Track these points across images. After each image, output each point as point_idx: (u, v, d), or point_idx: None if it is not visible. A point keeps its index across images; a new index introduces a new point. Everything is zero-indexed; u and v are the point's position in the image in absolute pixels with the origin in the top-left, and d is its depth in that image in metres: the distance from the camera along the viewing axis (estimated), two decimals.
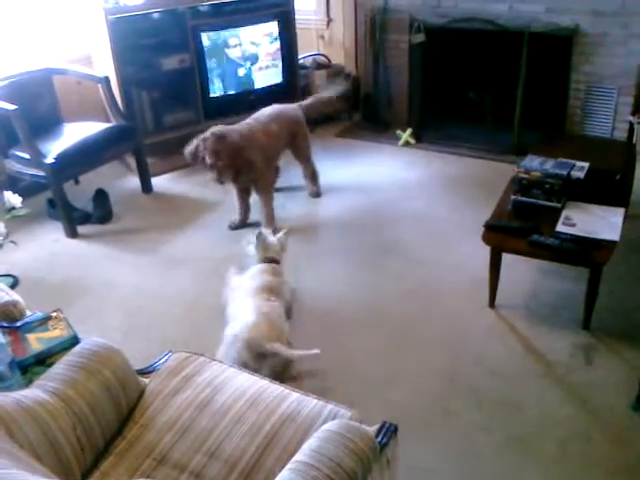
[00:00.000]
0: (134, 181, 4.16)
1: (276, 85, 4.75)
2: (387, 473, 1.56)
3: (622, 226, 2.61)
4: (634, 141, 4.06)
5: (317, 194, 3.92)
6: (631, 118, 4.08)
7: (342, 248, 3.38)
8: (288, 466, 1.33)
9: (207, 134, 3.30)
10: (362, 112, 5.08)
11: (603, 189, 2.86)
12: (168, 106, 4.43)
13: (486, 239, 2.67)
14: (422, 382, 2.44)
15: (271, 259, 2.83)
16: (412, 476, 2.04)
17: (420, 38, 4.43)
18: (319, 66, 5.00)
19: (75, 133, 3.73)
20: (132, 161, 4.15)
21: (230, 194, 3.64)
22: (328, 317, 2.86)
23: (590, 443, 2.13)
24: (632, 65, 3.93)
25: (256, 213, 3.59)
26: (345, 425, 1.44)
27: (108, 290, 3.11)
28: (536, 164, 2.90)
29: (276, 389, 1.70)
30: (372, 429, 1.56)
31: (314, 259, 3.30)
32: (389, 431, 1.57)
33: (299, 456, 1.35)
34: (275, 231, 3.04)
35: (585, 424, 2.21)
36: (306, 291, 3.04)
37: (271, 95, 4.72)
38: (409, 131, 4.64)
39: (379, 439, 1.52)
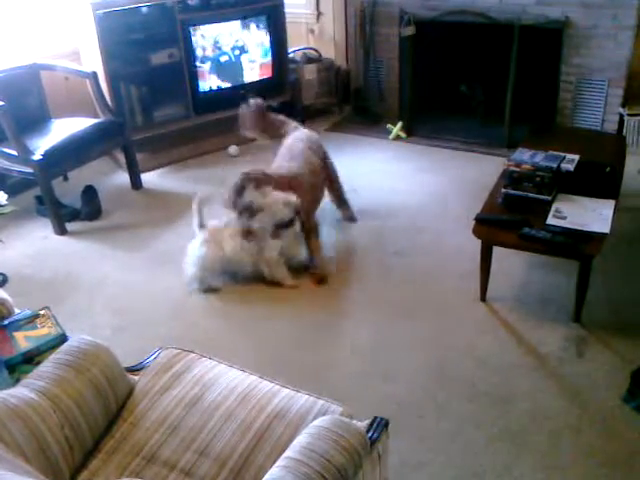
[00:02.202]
0: (123, 177, 4.13)
1: (266, 79, 4.73)
2: (378, 468, 1.55)
3: (612, 218, 2.61)
4: (624, 133, 4.07)
5: None
6: (621, 110, 4.09)
7: (330, 242, 3.37)
8: (278, 463, 1.32)
9: None
10: (353, 106, 5.06)
11: (593, 181, 2.86)
12: (157, 101, 4.40)
13: (477, 232, 2.66)
14: (413, 376, 2.44)
15: None
16: (403, 471, 2.04)
17: (410, 31, 4.41)
18: (309, 60, 4.98)
19: (63, 129, 3.69)
20: (121, 157, 4.12)
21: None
22: (314, 312, 2.85)
23: (581, 435, 2.14)
24: (622, 57, 3.93)
25: None
26: (336, 421, 1.43)
27: (97, 287, 3.09)
28: (526, 157, 2.89)
29: (266, 385, 1.69)
30: (363, 424, 1.55)
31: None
32: (380, 426, 1.57)
33: (289, 452, 1.34)
34: None
35: (576, 416, 2.21)
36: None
37: (261, 89, 4.71)
38: (400, 125, 4.63)
39: (370, 434, 1.52)
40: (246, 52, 4.55)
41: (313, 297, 2.96)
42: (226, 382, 1.70)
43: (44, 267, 3.27)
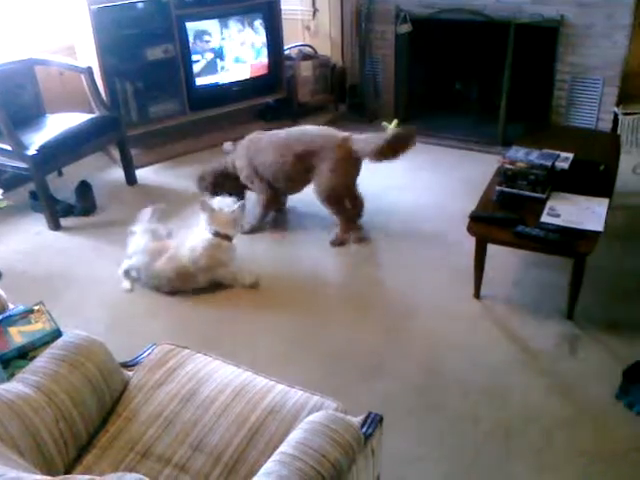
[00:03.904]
0: (118, 173, 4.12)
1: (261, 76, 4.73)
2: (372, 463, 1.56)
3: (606, 216, 2.62)
4: (618, 132, 4.09)
5: None
6: (616, 109, 4.10)
7: (321, 240, 3.38)
8: (273, 458, 1.33)
9: None
10: (348, 103, 5.07)
11: (587, 180, 2.87)
12: (152, 97, 4.39)
13: (471, 230, 2.67)
14: (408, 372, 2.45)
15: (219, 234, 2.87)
16: (397, 466, 2.04)
17: (406, 28, 4.42)
18: (305, 57, 4.97)
19: (58, 124, 3.68)
20: (116, 152, 4.11)
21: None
22: (313, 308, 2.86)
23: (574, 431, 2.15)
24: (617, 56, 3.94)
25: None
26: (330, 416, 1.44)
27: (91, 283, 3.09)
28: (521, 155, 2.90)
29: (261, 381, 1.70)
30: (357, 420, 1.56)
31: (294, 247, 3.29)
32: (374, 421, 1.57)
33: (284, 448, 1.35)
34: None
35: (569, 413, 2.23)
36: (286, 278, 3.04)
37: (256, 86, 4.72)
38: (395, 122, 4.63)
39: (364, 430, 1.52)
40: (242, 48, 4.55)
41: (305, 294, 2.96)
42: (220, 377, 1.70)
43: (38, 262, 3.27)
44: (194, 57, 4.36)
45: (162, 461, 1.51)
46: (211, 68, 4.48)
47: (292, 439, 1.37)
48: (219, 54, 4.47)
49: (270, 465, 1.30)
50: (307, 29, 5.09)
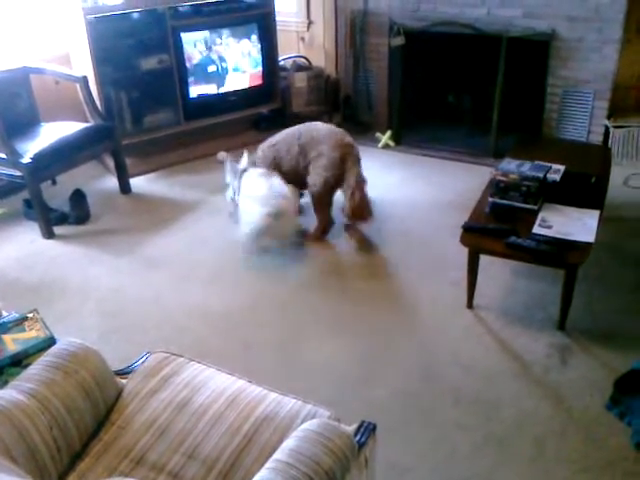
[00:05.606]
0: (112, 181, 4.13)
1: (256, 87, 4.76)
2: (365, 472, 1.56)
3: (597, 228, 2.65)
4: (609, 144, 4.13)
5: None
6: (606, 122, 4.15)
7: (315, 252, 3.39)
8: (267, 465, 1.33)
9: None
10: (342, 114, 5.10)
11: (579, 192, 2.90)
12: (147, 106, 4.41)
13: (464, 241, 2.69)
14: (401, 382, 2.46)
15: None
16: (390, 474, 2.05)
17: (399, 41, 4.46)
18: (299, 68, 5.01)
19: (52, 133, 3.69)
20: (110, 161, 4.11)
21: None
22: (306, 318, 2.87)
23: (565, 441, 2.16)
24: (607, 70, 3.99)
25: None
26: (324, 424, 1.44)
27: (85, 291, 3.08)
28: (513, 167, 2.93)
29: (255, 389, 1.70)
30: (351, 428, 1.56)
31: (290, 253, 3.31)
32: (368, 430, 1.58)
33: (278, 455, 1.35)
34: None
35: (560, 423, 2.24)
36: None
37: (251, 97, 4.75)
38: (388, 133, 4.66)
39: (357, 438, 1.53)
40: (237, 59, 4.58)
41: (299, 304, 2.97)
42: (215, 385, 1.70)
43: (32, 270, 3.26)
44: (189, 67, 4.38)
45: (156, 469, 1.51)
46: (206, 78, 4.51)
47: (286, 447, 1.37)
48: (213, 64, 4.49)
49: (264, 472, 1.30)
50: (302, 40, 5.13)
